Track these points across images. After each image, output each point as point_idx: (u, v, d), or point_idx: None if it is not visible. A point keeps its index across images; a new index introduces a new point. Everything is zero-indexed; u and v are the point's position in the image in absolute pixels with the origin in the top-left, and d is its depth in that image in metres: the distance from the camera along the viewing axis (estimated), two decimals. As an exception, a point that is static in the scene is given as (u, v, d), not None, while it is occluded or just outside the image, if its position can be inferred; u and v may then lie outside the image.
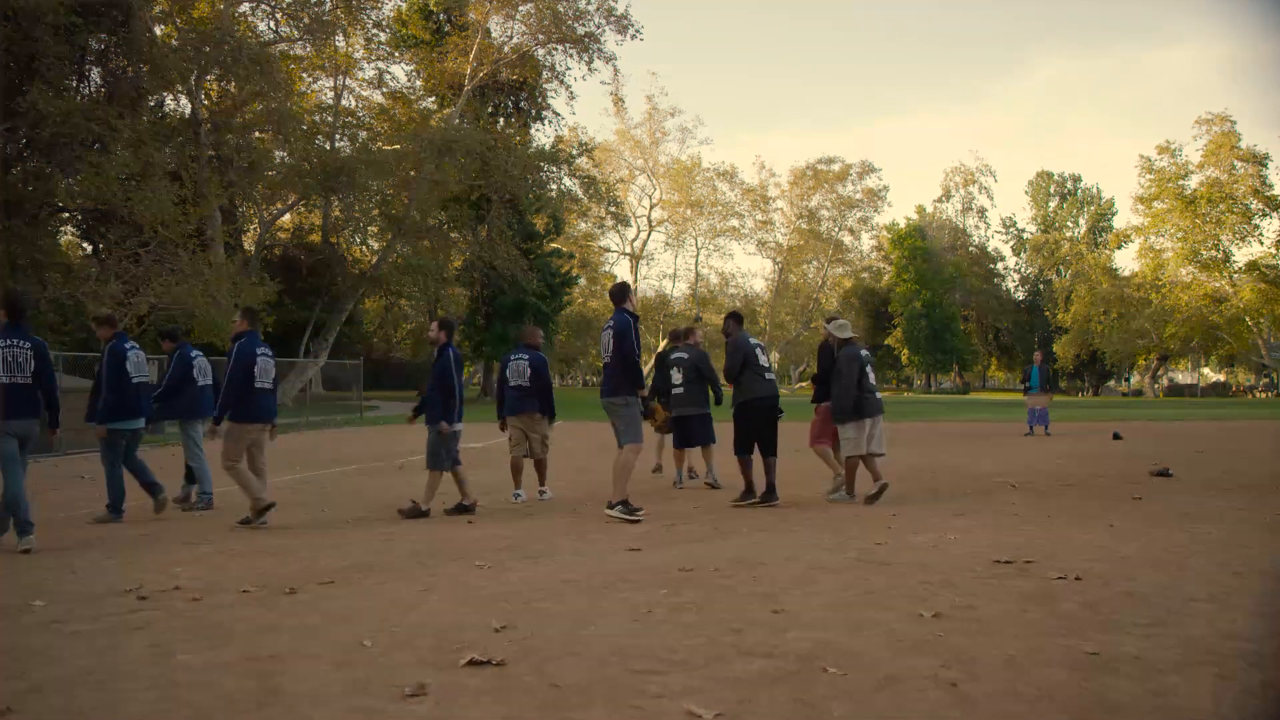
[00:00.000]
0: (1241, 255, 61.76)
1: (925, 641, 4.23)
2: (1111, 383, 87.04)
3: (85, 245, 39.57)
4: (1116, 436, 19.09)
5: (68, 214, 34.66)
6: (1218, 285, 61.49)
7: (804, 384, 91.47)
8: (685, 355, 11.10)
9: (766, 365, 9.81)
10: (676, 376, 11.00)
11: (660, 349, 12.08)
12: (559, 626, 4.66)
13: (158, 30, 33.22)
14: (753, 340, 9.88)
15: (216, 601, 5.44)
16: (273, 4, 36.87)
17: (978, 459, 14.85)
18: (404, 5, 48.19)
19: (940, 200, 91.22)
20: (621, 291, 9.05)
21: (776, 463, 9.61)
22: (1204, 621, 4.49)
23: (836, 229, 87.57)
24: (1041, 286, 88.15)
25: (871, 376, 9.64)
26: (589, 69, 48.14)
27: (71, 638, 4.68)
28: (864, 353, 9.70)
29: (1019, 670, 3.80)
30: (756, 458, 9.61)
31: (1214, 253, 62.20)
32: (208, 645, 4.45)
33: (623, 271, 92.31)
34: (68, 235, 39.84)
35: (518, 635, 4.50)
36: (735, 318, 10.11)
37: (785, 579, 5.67)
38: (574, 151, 54.51)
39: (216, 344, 31.29)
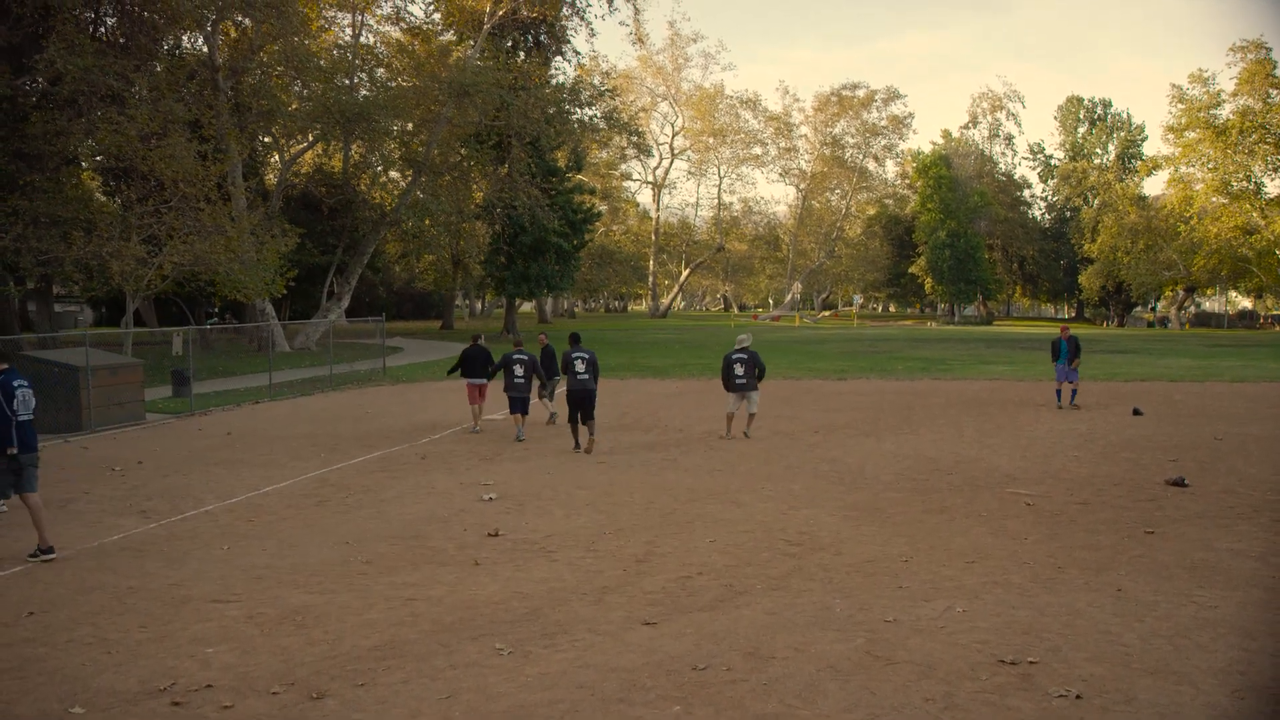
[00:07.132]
0: (1273, 186, 60.77)
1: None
2: (1137, 310, 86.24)
3: (109, 188, 39.67)
4: (1137, 412, 19.10)
5: (85, 164, 34.72)
6: (1248, 217, 60.54)
7: (826, 312, 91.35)
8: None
9: (582, 370, 14.95)
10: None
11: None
12: (573, 772, 4.87)
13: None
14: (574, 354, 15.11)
15: (248, 711, 5.68)
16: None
17: (995, 450, 14.93)
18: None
19: (966, 126, 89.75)
20: None
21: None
22: (1197, 784, 4.64)
23: (861, 156, 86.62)
24: (1068, 214, 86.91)
25: (739, 369, 15.79)
26: (609, 6, 47.49)
27: (110, 775, 4.93)
28: (741, 354, 15.76)
29: None
30: None
31: (1245, 184, 61.19)
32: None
33: (644, 199, 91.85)
34: (89, 184, 39.89)
35: (533, 787, 4.71)
36: (572, 337, 15.74)
37: (794, 687, 5.86)
38: (596, 82, 53.85)
39: (242, 300, 31.58)
